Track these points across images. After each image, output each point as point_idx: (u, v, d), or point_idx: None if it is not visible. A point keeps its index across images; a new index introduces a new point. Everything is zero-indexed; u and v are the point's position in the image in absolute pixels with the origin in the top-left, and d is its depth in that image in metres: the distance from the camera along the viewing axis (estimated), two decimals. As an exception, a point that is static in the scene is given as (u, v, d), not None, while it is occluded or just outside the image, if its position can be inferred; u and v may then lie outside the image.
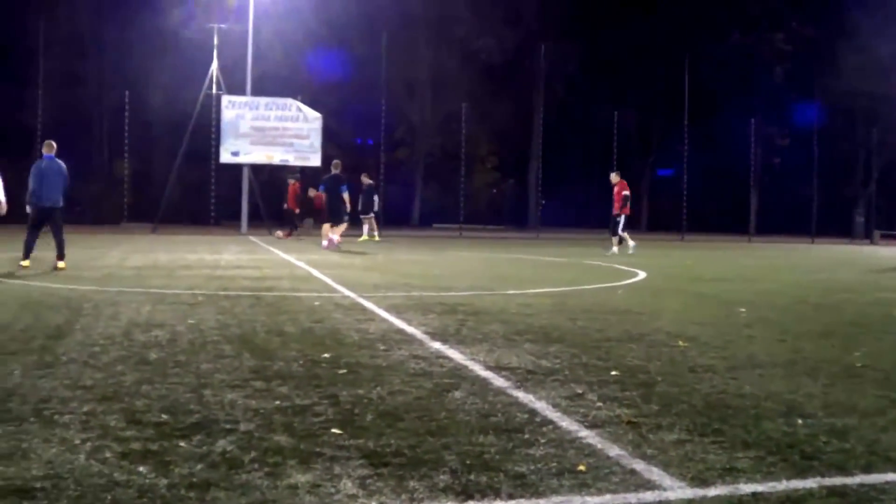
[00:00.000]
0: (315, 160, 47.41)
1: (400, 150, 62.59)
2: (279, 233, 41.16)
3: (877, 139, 62.76)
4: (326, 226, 32.44)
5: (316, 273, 20.04)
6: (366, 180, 39.64)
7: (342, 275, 19.62)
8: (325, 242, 31.61)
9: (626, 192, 31.58)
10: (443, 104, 62.85)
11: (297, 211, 42.16)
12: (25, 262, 19.45)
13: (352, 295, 15.41)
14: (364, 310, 13.37)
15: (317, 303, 14.14)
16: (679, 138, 58.73)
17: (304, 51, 56.57)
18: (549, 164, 56.92)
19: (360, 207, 38.59)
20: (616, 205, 31.70)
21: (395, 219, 54.90)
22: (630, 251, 30.72)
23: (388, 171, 52.94)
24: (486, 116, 62.84)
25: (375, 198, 39.82)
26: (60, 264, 19.54)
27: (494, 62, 64.94)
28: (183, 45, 51.95)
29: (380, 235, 40.75)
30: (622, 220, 31.42)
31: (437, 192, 67.34)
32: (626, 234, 31.48)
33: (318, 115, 47.47)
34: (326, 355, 9.24)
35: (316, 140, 47.33)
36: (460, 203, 54.57)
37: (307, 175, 46.59)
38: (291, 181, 42.72)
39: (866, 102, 62.31)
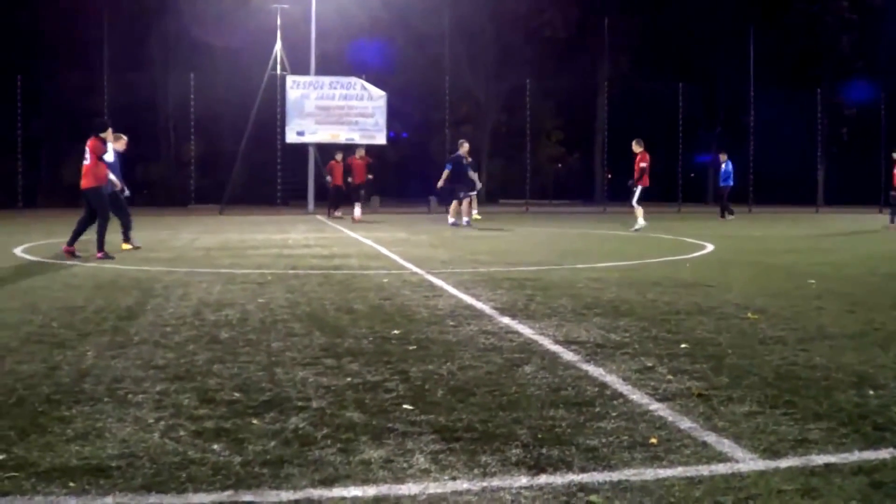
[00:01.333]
0: (381, 138, 47.46)
1: (465, 127, 62.44)
2: (357, 210, 39.58)
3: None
4: (455, 203, 32.25)
5: (384, 251, 20.10)
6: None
7: (410, 252, 19.67)
8: (453, 220, 31.74)
9: (644, 164, 30.81)
10: (507, 80, 62.63)
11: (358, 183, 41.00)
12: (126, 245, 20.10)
13: (420, 271, 15.46)
14: (432, 286, 13.42)
15: (385, 280, 14.20)
16: (745, 110, 58.27)
17: (368, 29, 56.58)
18: (615, 137, 56.65)
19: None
20: (635, 175, 31.07)
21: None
22: (635, 228, 29.73)
23: (454, 149, 52.89)
24: (550, 91, 62.61)
25: (474, 175, 38.06)
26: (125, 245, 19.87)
27: (558, 37, 64.64)
28: (247, 26, 52.08)
29: (443, 212, 40.46)
30: (638, 190, 30.76)
31: (503, 167, 67.20)
32: (639, 209, 30.56)
33: (382, 93, 47.48)
34: (396, 332, 9.29)
35: (381, 118, 47.35)
36: (526, 178, 54.48)
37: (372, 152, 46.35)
38: (337, 159, 41.24)
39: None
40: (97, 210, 18.06)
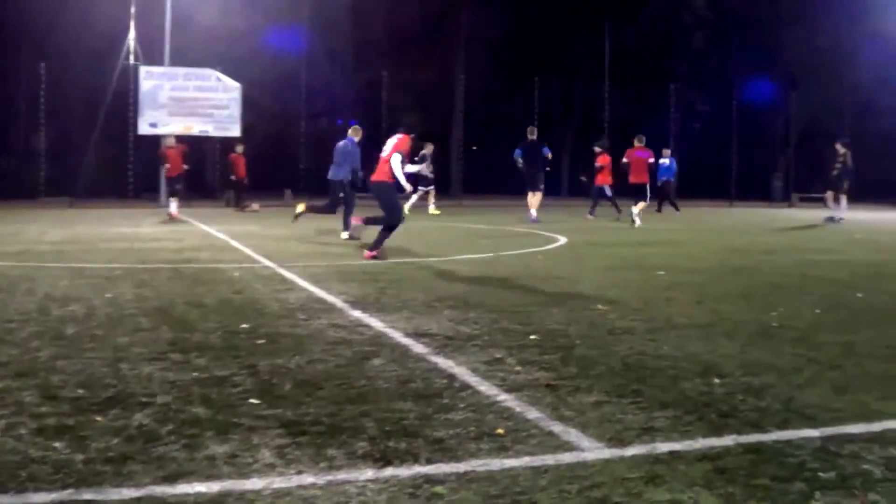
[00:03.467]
0: (235, 130, 46.88)
1: (322, 120, 62.09)
2: (254, 205, 39.39)
3: (794, 105, 63.28)
4: (531, 195, 31.62)
5: (236, 244, 19.90)
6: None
7: (263, 245, 19.50)
8: (533, 214, 30.79)
9: (600, 164, 32.13)
10: (365, 72, 62.48)
11: (247, 181, 40.63)
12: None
13: (272, 265, 15.34)
14: (284, 279, 13.33)
15: (236, 273, 14.06)
16: (600, 104, 58.95)
17: (224, 20, 55.98)
18: (472, 131, 56.90)
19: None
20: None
21: (317, 188, 54.53)
22: (588, 216, 30.70)
23: (310, 142, 52.57)
24: (408, 84, 62.61)
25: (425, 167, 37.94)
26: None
27: (416, 29, 64.68)
28: (100, 15, 51.17)
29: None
30: (607, 188, 31.85)
31: (360, 161, 67.08)
32: (605, 203, 31.50)
33: (237, 84, 47.00)
34: (245, 326, 9.20)
35: (235, 110, 46.85)
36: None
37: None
38: (239, 152, 40.91)
39: (784, 69, 62.76)
40: None
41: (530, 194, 31.46)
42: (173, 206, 31.30)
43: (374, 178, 17.41)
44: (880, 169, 57.82)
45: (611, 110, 58.34)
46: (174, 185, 32.73)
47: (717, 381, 6.99)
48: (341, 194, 22.08)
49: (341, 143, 22.82)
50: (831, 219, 31.89)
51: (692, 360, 7.70)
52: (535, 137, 32.07)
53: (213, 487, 4.66)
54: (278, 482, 4.75)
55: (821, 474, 4.92)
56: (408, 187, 18.96)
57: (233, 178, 39.92)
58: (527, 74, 57.43)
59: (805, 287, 13.18)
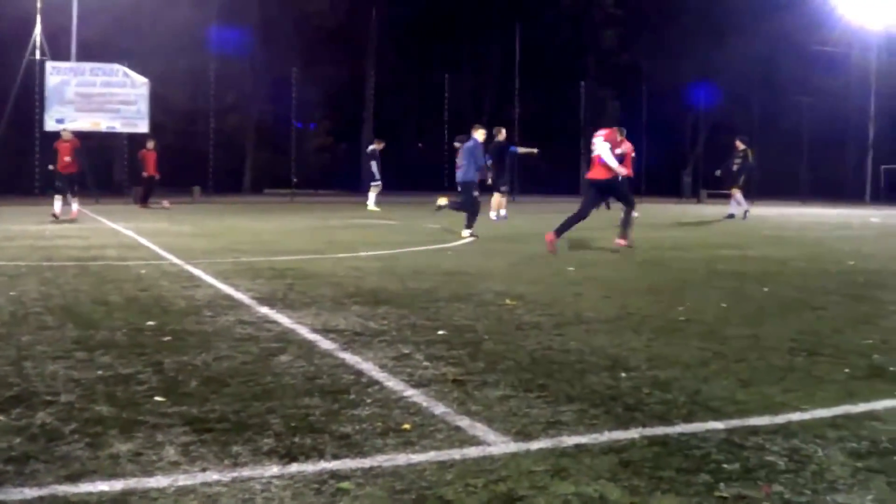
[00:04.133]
0: (143, 126, 46.53)
1: (230, 116, 61.72)
2: (165, 202, 39.17)
3: (703, 101, 64.02)
4: (497, 196, 31.82)
5: (143, 241, 19.71)
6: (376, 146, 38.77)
7: (170, 242, 19.33)
8: (495, 214, 31.14)
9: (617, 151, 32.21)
10: (274, 68, 62.24)
11: (158, 177, 40.49)
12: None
13: (179, 262, 15.21)
14: (191, 277, 13.22)
15: (143, 271, 13.91)
16: (511, 101, 59.18)
17: (132, 14, 55.41)
18: (382, 128, 56.91)
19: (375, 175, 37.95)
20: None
21: (225, 185, 54.29)
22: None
23: (218, 138, 52.28)
24: (318, 81, 62.42)
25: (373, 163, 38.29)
26: None
27: (326, 25, 64.52)
28: (5, 10, 50.49)
29: (209, 202, 40.33)
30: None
31: (269, 157, 66.68)
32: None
33: (145, 80, 46.65)
34: (151, 323, 9.10)
35: (143, 106, 46.52)
36: (291, 168, 54.19)
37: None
38: (149, 148, 40.75)
39: (693, 65, 63.48)
40: None
41: (497, 195, 31.64)
42: (57, 205, 28.81)
43: (593, 176, 18.30)
44: (787, 164, 58.65)
45: (522, 107, 58.55)
46: (57, 182, 30.04)
47: (623, 374, 7.03)
48: (475, 193, 22.09)
49: (468, 143, 22.74)
50: (731, 216, 32.27)
51: (599, 355, 7.74)
52: (503, 138, 31.99)
53: (117, 486, 4.59)
54: (182, 480, 4.70)
55: (725, 466, 4.96)
56: (622, 171, 19.92)
57: (144, 174, 39.49)
58: (437, 71, 57.47)
59: (712, 282, 13.31)
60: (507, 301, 10.79)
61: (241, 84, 60.75)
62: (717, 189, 43.33)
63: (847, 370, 7.29)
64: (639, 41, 64.24)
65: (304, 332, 8.65)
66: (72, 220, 27.24)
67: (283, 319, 9.38)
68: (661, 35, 63.15)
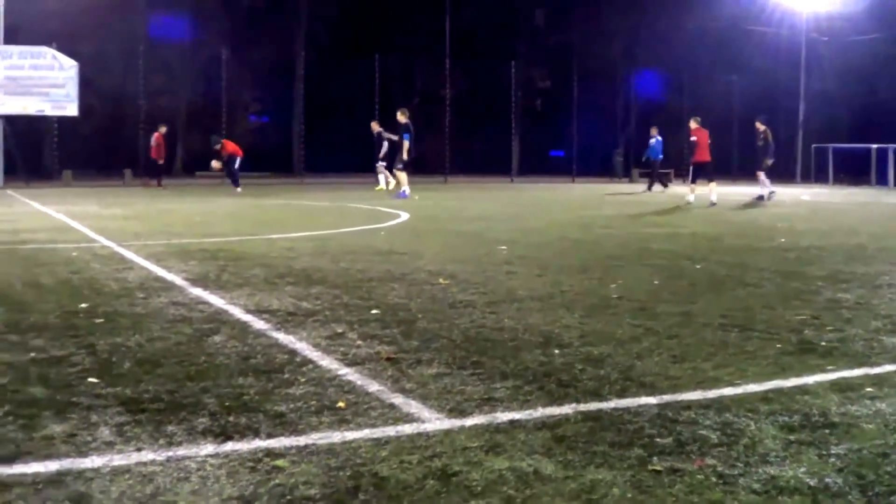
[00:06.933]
0: (72, 110, 46.00)
1: (161, 98, 61.21)
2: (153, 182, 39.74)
3: (635, 81, 64.34)
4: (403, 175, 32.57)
5: (74, 224, 19.56)
6: (377, 127, 38.62)
7: (101, 225, 19.19)
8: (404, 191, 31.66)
9: (692, 138, 31.81)
10: (204, 50, 61.78)
11: (161, 162, 41.03)
12: None
13: (111, 244, 15.11)
14: (123, 259, 13.14)
15: (74, 253, 13.80)
16: (442, 81, 59.11)
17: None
18: (313, 108, 56.64)
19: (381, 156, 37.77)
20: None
21: (159, 168, 53.87)
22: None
23: (149, 121, 51.79)
24: (248, 62, 62.04)
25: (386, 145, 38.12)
26: None
27: (256, 6, 64.15)
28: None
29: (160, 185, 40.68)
30: (691, 168, 31.83)
31: (200, 140, 66.23)
32: (691, 185, 31.71)
33: (74, 63, 46.07)
34: (84, 305, 9.04)
35: (72, 89, 45.92)
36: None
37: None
38: (161, 131, 41.30)
39: (624, 46, 63.81)
40: None
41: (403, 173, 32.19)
42: None
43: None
44: (718, 143, 59.05)
45: (452, 87, 58.52)
46: None
47: (556, 351, 7.07)
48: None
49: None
50: (761, 197, 32.15)
51: (532, 332, 7.78)
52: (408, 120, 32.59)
53: (52, 466, 4.58)
54: (117, 460, 4.68)
55: (658, 440, 5.01)
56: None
57: (160, 161, 40.22)
58: (367, 52, 57.26)
59: (644, 259, 13.40)
60: (441, 280, 10.82)
61: (171, 66, 60.23)
62: (647, 168, 43.56)
63: (778, 345, 7.37)
64: (569, 21, 64.30)
65: (238, 313, 8.64)
66: None
67: (216, 300, 9.36)
68: (591, 14, 63.29)
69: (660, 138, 40.88)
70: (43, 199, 30.61)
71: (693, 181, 31.09)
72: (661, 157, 41.34)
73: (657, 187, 40.53)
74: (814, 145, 57.32)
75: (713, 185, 30.60)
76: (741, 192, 36.47)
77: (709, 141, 31.41)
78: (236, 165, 39.15)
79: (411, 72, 68.81)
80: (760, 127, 33.28)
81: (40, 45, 46.02)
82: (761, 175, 32.78)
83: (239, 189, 37.53)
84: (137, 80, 50.59)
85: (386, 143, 37.20)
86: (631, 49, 63.80)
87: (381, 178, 37.92)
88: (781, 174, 42.11)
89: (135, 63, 50.53)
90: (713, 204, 28.49)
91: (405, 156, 32.18)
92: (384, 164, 37.46)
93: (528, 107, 69.65)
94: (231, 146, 39.85)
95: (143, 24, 53.13)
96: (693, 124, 32.10)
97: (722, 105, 58.50)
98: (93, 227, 18.49)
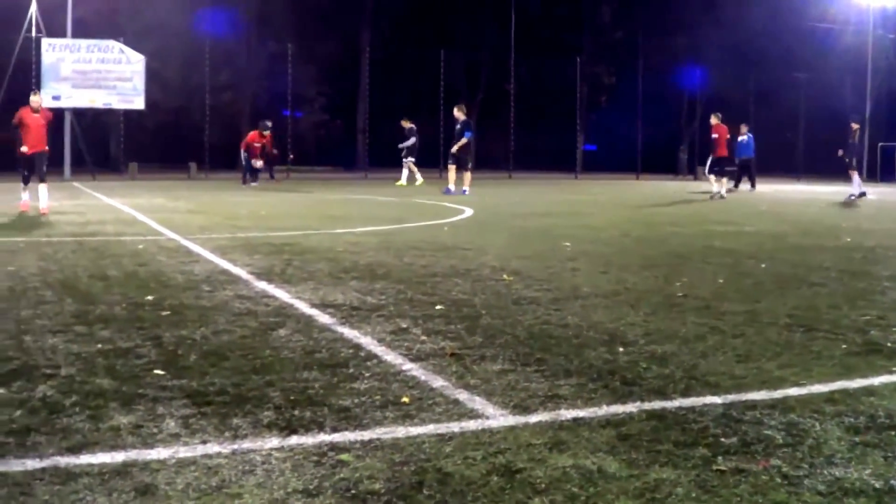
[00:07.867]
0: (139, 103, 46.45)
1: (226, 94, 61.47)
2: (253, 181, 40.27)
3: (699, 78, 63.92)
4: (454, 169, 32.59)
5: (141, 217, 19.73)
6: (407, 124, 38.89)
7: (167, 218, 19.35)
8: (452, 187, 31.56)
9: (714, 135, 32.23)
10: (269, 45, 62.03)
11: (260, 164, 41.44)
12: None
13: (177, 237, 15.22)
14: (189, 252, 13.23)
15: (141, 246, 13.92)
16: (506, 77, 59.03)
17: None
18: (377, 104, 56.71)
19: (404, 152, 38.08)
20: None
21: (222, 162, 54.14)
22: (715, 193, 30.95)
23: (214, 115, 52.04)
24: (312, 57, 62.20)
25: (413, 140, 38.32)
26: None
27: (320, 1, 64.27)
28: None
29: (205, 178, 40.62)
30: (709, 160, 32.22)
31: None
32: (710, 177, 31.87)
33: (141, 56, 46.48)
34: (150, 298, 9.11)
35: (139, 82, 46.34)
36: (287, 145, 54.07)
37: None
38: (267, 131, 41.63)
39: (689, 42, 63.40)
40: None
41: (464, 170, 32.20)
42: (25, 195, 22.41)
43: None
44: (783, 141, 58.56)
45: (517, 82, 58.43)
46: (20, 166, 22.91)
47: (621, 349, 7.04)
48: None
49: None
50: (851, 196, 31.93)
51: (597, 329, 7.75)
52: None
53: (118, 458, 4.61)
54: (183, 452, 4.71)
55: (723, 440, 4.98)
56: None
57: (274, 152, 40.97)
58: (432, 46, 57.28)
59: (709, 257, 13.32)
60: (505, 276, 10.81)
61: (235, 61, 60.51)
62: (736, 168, 43.26)
63: (844, 346, 7.31)
64: (634, 17, 63.98)
65: (303, 307, 8.67)
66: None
67: (281, 294, 9.40)
68: (655, 11, 62.93)
69: (751, 135, 40.49)
70: (109, 191, 30.89)
71: (719, 175, 31.99)
72: (753, 155, 40.84)
73: (720, 186, 40.23)
74: (880, 144, 56.75)
75: (724, 179, 31.96)
76: (805, 190, 36.15)
77: (727, 136, 32.59)
78: (255, 159, 39.33)
79: (476, 67, 68.69)
80: (855, 126, 33.08)
81: (108, 39, 46.37)
82: (854, 174, 32.56)
83: (254, 184, 37.79)
84: (203, 75, 50.89)
85: (413, 140, 37.43)
86: (696, 44, 63.34)
87: (405, 172, 38.19)
88: (847, 173, 41.66)
89: (200, 58, 50.80)
90: (722, 197, 29.86)
91: (458, 151, 31.97)
92: (412, 159, 37.60)
93: (593, 102, 69.40)
94: (251, 137, 40.27)
95: (208, 18, 53.28)
96: (714, 120, 32.59)
97: (787, 102, 58.09)
98: (158, 220, 18.64)
